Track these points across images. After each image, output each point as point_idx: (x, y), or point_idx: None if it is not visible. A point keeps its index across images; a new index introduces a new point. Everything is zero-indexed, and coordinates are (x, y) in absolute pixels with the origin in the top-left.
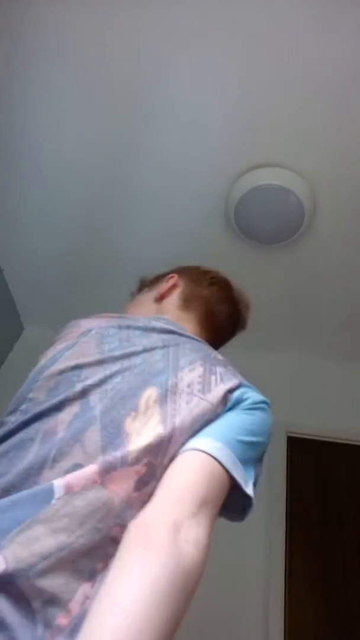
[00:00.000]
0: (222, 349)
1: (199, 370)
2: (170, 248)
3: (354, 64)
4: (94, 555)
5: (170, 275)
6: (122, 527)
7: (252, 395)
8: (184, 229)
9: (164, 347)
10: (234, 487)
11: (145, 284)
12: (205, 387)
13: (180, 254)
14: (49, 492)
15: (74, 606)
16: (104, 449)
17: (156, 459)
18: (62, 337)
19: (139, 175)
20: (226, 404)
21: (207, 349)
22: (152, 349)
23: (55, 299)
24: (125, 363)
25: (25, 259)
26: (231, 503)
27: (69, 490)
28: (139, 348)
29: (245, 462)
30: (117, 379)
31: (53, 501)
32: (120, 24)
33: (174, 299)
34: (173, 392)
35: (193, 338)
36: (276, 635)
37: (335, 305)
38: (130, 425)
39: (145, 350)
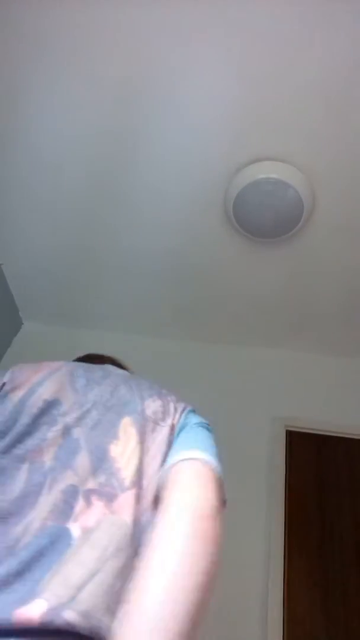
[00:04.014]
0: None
1: (159, 401)
2: (168, 243)
3: (353, 58)
4: (124, 576)
5: None
6: (138, 544)
7: (190, 418)
8: (182, 223)
9: (125, 382)
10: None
11: None
12: (165, 415)
13: (179, 248)
14: (67, 537)
15: (109, 623)
16: (95, 471)
17: (142, 480)
18: (23, 375)
19: (138, 169)
20: (177, 426)
21: (154, 383)
22: (117, 385)
23: (54, 293)
24: (99, 399)
25: (24, 253)
26: None
27: (86, 529)
28: (108, 387)
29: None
30: (93, 413)
31: (72, 542)
32: (121, 20)
33: None
34: (144, 418)
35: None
36: (275, 627)
37: (333, 299)
38: (115, 450)
39: (111, 387)
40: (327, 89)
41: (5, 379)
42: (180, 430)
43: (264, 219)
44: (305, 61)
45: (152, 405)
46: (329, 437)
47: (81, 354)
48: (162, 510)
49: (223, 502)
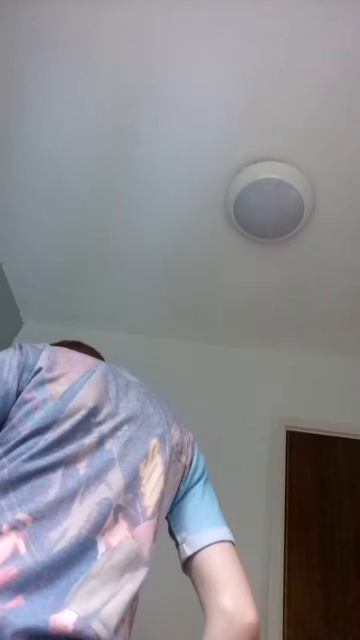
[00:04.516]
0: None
1: (178, 430)
2: (169, 243)
3: (354, 59)
4: (134, 600)
5: None
6: (149, 571)
7: (200, 460)
8: (183, 223)
9: (149, 399)
10: None
11: None
12: (183, 450)
13: (180, 248)
14: (94, 551)
15: None
16: (127, 487)
17: (160, 512)
18: (60, 365)
19: (139, 170)
20: (189, 468)
21: (169, 403)
22: (143, 400)
23: (54, 293)
24: (129, 412)
25: (25, 253)
26: None
27: (109, 547)
28: (134, 400)
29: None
30: (125, 427)
31: (98, 557)
32: (122, 20)
33: None
34: (171, 448)
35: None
36: (275, 627)
37: (334, 299)
38: (143, 470)
39: (138, 401)
40: (328, 89)
41: (42, 363)
42: (197, 482)
43: (265, 219)
44: (305, 61)
45: (176, 435)
46: (329, 437)
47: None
48: (212, 612)
49: None
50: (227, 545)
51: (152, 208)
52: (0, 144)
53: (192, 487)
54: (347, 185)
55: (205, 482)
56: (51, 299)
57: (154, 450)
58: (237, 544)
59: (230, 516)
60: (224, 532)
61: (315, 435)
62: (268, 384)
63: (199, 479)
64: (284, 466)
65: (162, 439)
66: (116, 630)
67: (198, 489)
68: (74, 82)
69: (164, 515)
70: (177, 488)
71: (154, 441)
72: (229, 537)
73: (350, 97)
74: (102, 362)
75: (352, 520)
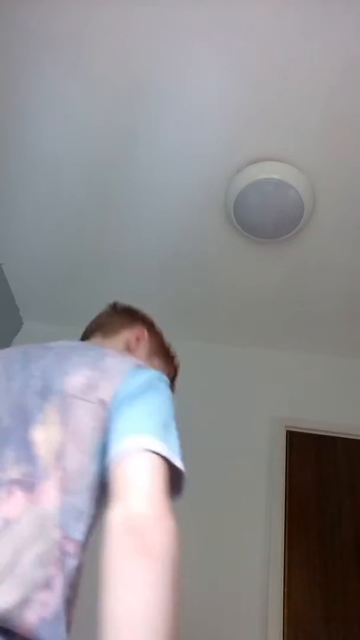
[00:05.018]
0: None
1: (83, 373)
2: (169, 243)
3: (354, 58)
4: (45, 563)
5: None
6: (63, 530)
7: (133, 380)
8: (183, 223)
9: (62, 357)
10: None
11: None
12: (91, 388)
13: (180, 248)
14: None
15: (31, 615)
16: (18, 461)
17: (64, 462)
18: None
19: (139, 170)
20: (113, 398)
21: (99, 348)
22: (47, 363)
23: (54, 293)
24: (25, 381)
25: (24, 253)
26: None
27: (6, 521)
28: (37, 368)
29: (167, 439)
30: (22, 399)
31: None
32: (122, 20)
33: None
34: (65, 396)
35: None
36: (275, 627)
37: (334, 299)
38: (38, 436)
39: (40, 369)
40: (328, 89)
41: None
42: (122, 401)
43: (265, 220)
44: (305, 61)
45: (74, 381)
46: (329, 437)
47: None
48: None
49: (178, 490)
50: (140, 454)
51: (151, 208)
52: (0, 145)
53: (120, 406)
54: (347, 185)
55: (137, 396)
56: (51, 299)
57: (50, 410)
58: (237, 544)
59: (230, 516)
60: (137, 441)
61: (315, 435)
62: (268, 384)
63: (129, 397)
64: (284, 466)
65: (57, 392)
66: (21, 604)
67: (125, 406)
68: (73, 82)
69: (85, 461)
70: (100, 422)
71: (50, 403)
72: (143, 444)
73: (351, 97)
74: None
75: (352, 520)
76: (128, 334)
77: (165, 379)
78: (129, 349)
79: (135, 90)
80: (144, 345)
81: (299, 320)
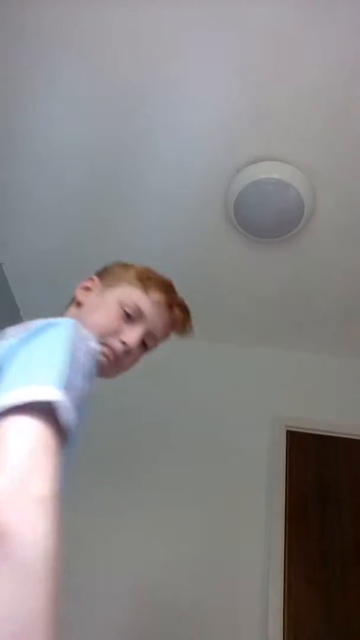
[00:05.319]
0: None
1: None
2: (169, 243)
3: (354, 58)
4: None
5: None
6: None
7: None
8: (183, 223)
9: None
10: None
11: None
12: None
13: (180, 247)
14: None
15: None
16: None
17: None
18: None
19: (139, 170)
20: None
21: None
22: None
23: (54, 293)
24: None
25: (25, 253)
26: None
27: None
28: None
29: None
30: None
31: None
32: (122, 22)
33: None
34: None
35: None
36: (275, 627)
37: (334, 299)
38: None
39: None
40: (327, 88)
41: None
42: (6, 355)
43: (265, 219)
44: (305, 61)
45: None
46: (329, 437)
47: None
48: None
49: (64, 435)
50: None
51: (152, 208)
52: (1, 146)
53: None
54: (347, 185)
55: (20, 342)
56: (51, 299)
57: None
58: (237, 543)
59: (230, 516)
60: (19, 394)
61: (315, 435)
62: (268, 384)
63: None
64: (284, 466)
65: None
66: None
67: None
68: (76, 82)
69: None
70: None
71: None
72: (28, 395)
73: (351, 97)
74: None
75: (352, 520)
76: (78, 290)
77: (55, 322)
78: (78, 304)
79: (136, 90)
80: (97, 292)
81: (299, 320)
